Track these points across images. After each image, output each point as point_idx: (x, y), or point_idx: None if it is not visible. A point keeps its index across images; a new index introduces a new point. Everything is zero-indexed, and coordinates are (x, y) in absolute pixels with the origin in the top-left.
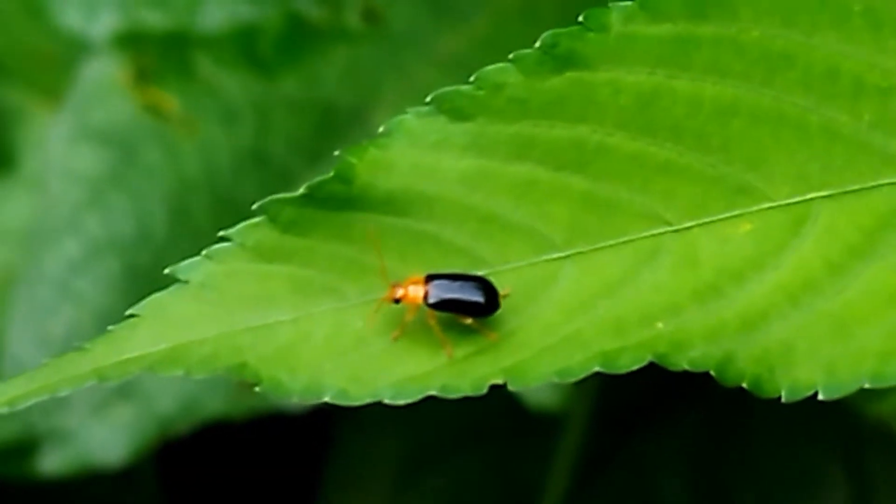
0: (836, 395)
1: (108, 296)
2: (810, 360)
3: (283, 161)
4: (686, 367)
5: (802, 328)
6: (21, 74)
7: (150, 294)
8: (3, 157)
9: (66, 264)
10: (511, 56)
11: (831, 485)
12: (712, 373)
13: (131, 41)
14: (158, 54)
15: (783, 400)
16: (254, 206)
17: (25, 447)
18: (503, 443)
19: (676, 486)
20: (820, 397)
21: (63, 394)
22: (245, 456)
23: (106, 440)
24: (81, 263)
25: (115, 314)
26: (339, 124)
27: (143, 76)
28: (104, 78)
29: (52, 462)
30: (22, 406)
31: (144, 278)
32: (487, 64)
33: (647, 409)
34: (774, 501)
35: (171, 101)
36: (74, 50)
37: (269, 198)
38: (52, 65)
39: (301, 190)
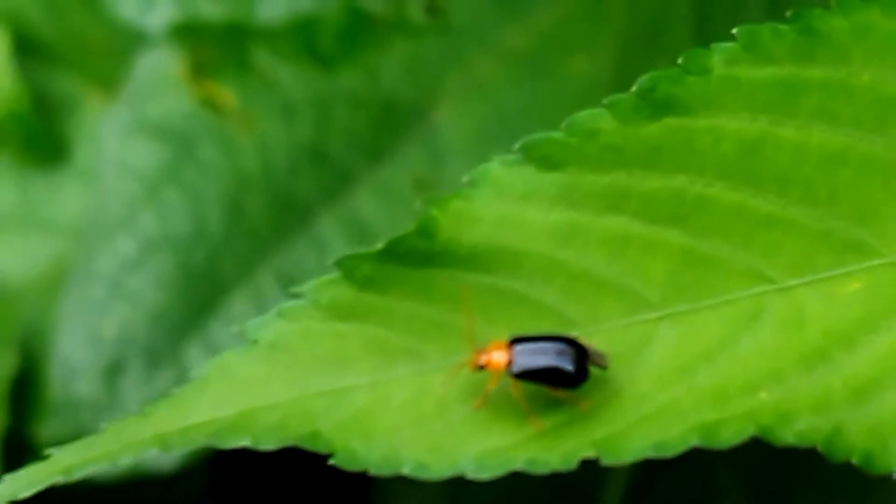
0: None
1: (162, 295)
2: None
3: (342, 158)
4: (791, 441)
5: None
6: (76, 64)
7: (205, 294)
8: (56, 147)
9: (119, 262)
10: (605, 101)
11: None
12: (819, 448)
13: (188, 33)
14: (216, 47)
15: None
16: (329, 263)
17: None
18: None
19: (736, 487)
20: None
21: (124, 462)
22: (298, 461)
23: None
24: (135, 261)
25: (168, 314)
26: (399, 120)
27: (200, 69)
28: (160, 70)
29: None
30: (78, 476)
31: (199, 277)
32: (552, 58)
33: None
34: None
35: (228, 95)
36: (131, 40)
37: (346, 254)
38: (107, 55)
39: (379, 245)
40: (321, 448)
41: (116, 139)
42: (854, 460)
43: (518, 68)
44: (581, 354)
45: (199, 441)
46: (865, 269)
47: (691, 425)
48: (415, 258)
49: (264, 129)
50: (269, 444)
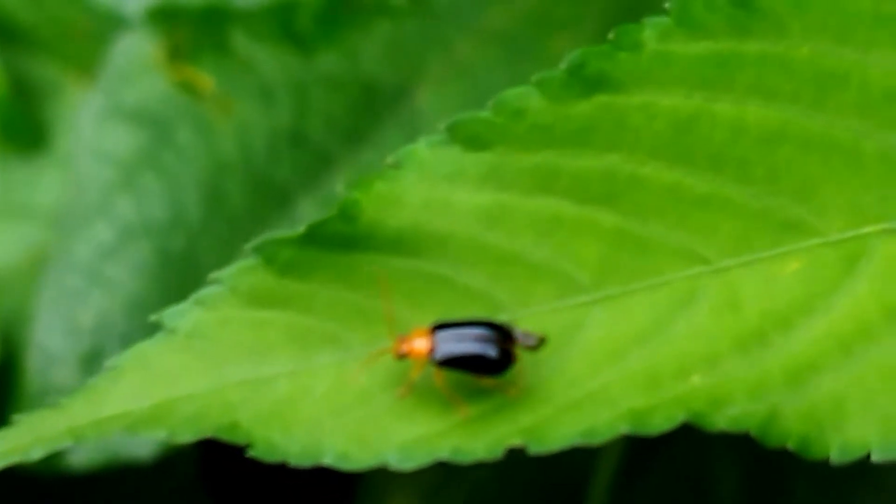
0: (892, 457)
1: (140, 282)
2: (864, 416)
3: (322, 142)
4: (724, 426)
5: (855, 380)
6: (54, 49)
7: (184, 280)
8: (35, 133)
9: (96, 249)
10: (533, 78)
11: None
12: (753, 433)
13: (165, 17)
14: (193, 30)
15: (832, 462)
16: (247, 247)
17: None
18: None
19: (730, 471)
20: (873, 458)
21: (36, 456)
22: None
23: None
24: (112, 248)
25: (146, 301)
26: (379, 103)
27: (178, 53)
28: (137, 55)
29: (81, 456)
30: None
31: (177, 264)
32: (533, 39)
33: None
34: (834, 489)
35: (205, 79)
36: (109, 25)
37: (263, 237)
38: (87, 40)
39: (300, 229)
40: (240, 439)
41: (93, 124)
42: (790, 445)
43: (499, 49)
44: (505, 339)
45: (113, 433)
46: (804, 249)
47: (621, 412)
48: (337, 242)
49: (243, 113)
50: (185, 436)
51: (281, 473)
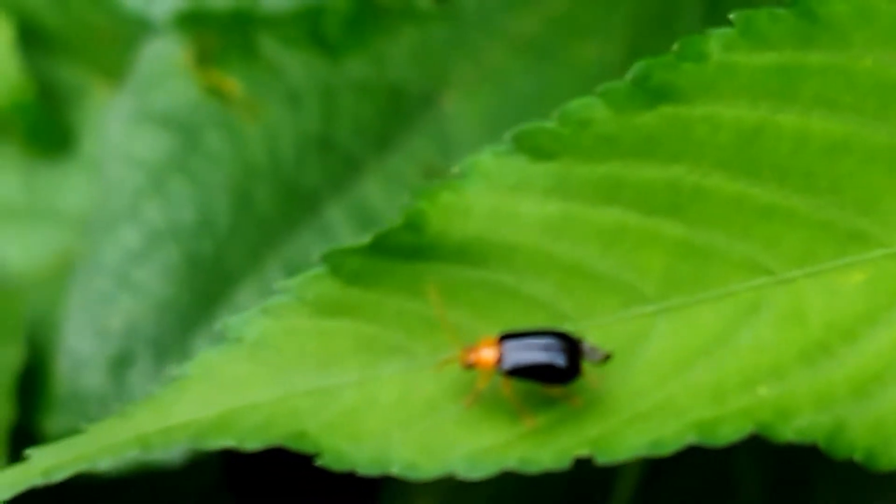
0: None
1: (169, 287)
2: None
3: (349, 147)
4: (791, 437)
5: None
6: (81, 52)
7: (212, 284)
8: (61, 137)
9: (124, 253)
10: (598, 89)
11: None
12: (820, 445)
13: (193, 21)
14: (221, 35)
15: None
16: (315, 257)
17: None
18: None
19: (752, 471)
20: None
21: (104, 465)
22: None
23: None
24: (141, 253)
25: (175, 305)
26: (407, 109)
27: (206, 58)
28: (166, 59)
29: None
30: (58, 478)
31: (205, 268)
32: (561, 45)
33: None
34: (856, 491)
35: (234, 83)
36: (136, 29)
37: (331, 247)
38: (113, 43)
39: (367, 239)
40: (308, 448)
41: (121, 129)
42: (856, 457)
43: (527, 55)
44: (573, 349)
45: (181, 442)
46: (868, 261)
47: (688, 423)
48: (403, 252)
49: (271, 117)
50: (253, 445)
51: (304, 476)
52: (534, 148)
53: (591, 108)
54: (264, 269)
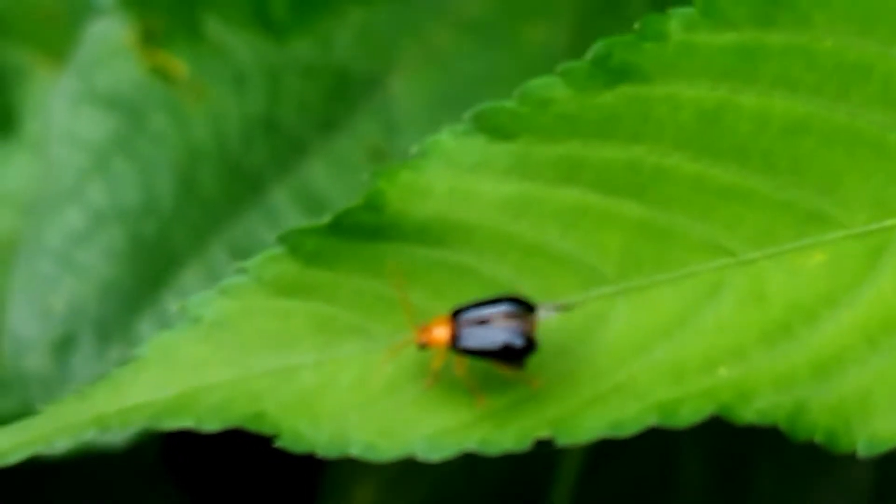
0: None
1: (113, 268)
2: (891, 409)
3: (295, 128)
4: (752, 419)
5: (882, 373)
6: (24, 33)
7: (157, 266)
8: (4, 117)
9: (68, 235)
10: (559, 69)
11: (857, 464)
12: (781, 426)
13: (138, 1)
14: (166, 15)
15: (859, 455)
16: (272, 237)
17: None
18: None
19: (694, 458)
20: None
21: (60, 445)
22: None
23: None
24: (84, 234)
25: (120, 287)
26: (352, 90)
27: (150, 38)
28: (110, 39)
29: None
30: (14, 460)
31: (150, 250)
32: (508, 27)
33: None
34: (796, 477)
35: (178, 64)
36: (80, 9)
37: (290, 228)
38: (56, 23)
39: (326, 219)
40: (266, 429)
41: (64, 109)
42: (817, 439)
43: (473, 36)
44: (528, 321)
45: (140, 422)
46: (828, 241)
47: (648, 404)
48: (362, 232)
49: (216, 99)
50: (211, 426)
51: (245, 461)
52: (493, 128)
53: (552, 87)
54: (209, 251)
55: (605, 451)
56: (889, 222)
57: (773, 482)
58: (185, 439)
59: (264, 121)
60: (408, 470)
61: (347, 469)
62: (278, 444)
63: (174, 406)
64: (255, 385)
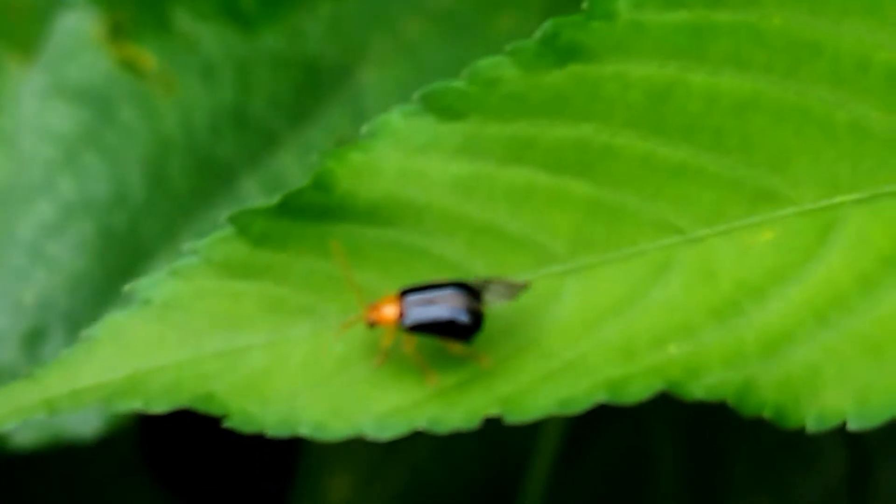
0: (868, 425)
1: (83, 260)
2: (839, 385)
3: (265, 120)
4: (701, 395)
5: (830, 350)
6: None
7: (127, 259)
8: None
9: (38, 227)
10: (507, 48)
11: (831, 455)
12: (730, 402)
13: None
14: (135, 8)
15: (808, 430)
16: (223, 218)
17: None
18: None
19: (669, 450)
20: (850, 427)
21: (9, 427)
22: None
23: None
24: (55, 226)
25: (89, 280)
26: (323, 82)
27: (119, 31)
28: (79, 32)
29: (25, 435)
30: None
31: (120, 242)
32: (478, 18)
33: None
34: (771, 469)
35: (148, 56)
36: (49, 3)
37: (239, 209)
38: (26, 18)
39: (275, 199)
40: (215, 410)
41: (34, 102)
42: (766, 415)
43: (443, 27)
44: (474, 301)
45: (90, 404)
46: (777, 219)
47: (598, 381)
48: (311, 213)
49: (185, 91)
50: (160, 407)
51: (220, 452)
52: (442, 108)
53: (500, 67)
54: (179, 243)
55: (581, 442)
56: (838, 199)
57: (748, 472)
58: (162, 431)
59: (234, 113)
60: (383, 462)
61: (322, 460)
62: (227, 424)
63: (124, 388)
64: (205, 366)
